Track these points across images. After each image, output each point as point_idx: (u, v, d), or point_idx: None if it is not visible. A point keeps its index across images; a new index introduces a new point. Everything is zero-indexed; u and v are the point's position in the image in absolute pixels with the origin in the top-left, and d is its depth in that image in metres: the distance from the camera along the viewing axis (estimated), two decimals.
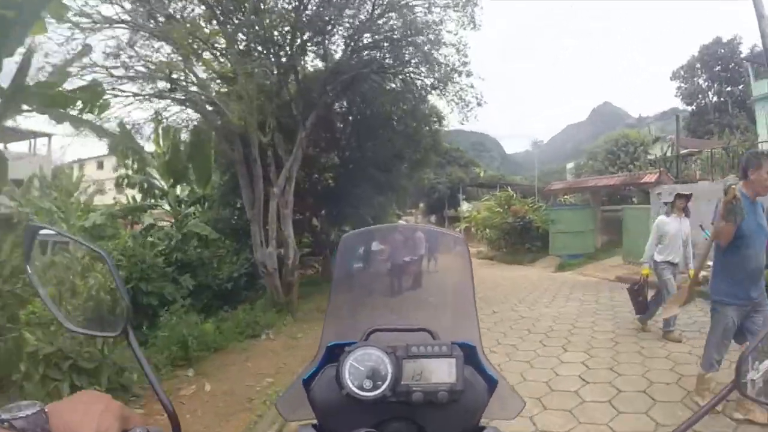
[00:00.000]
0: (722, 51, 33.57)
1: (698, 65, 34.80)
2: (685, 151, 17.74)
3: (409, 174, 12.45)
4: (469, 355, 0.73)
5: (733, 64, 33.03)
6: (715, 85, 34.05)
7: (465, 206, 38.11)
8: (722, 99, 33.96)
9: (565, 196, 18.90)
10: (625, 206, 14.69)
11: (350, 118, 10.62)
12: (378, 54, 8.30)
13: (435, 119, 10.92)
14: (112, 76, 6.23)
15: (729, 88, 32.93)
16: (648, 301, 5.41)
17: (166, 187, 10.42)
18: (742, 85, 31.09)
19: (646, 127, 30.44)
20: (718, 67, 33.52)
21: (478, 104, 8.67)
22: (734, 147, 12.93)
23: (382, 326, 0.80)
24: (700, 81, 35.67)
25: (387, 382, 0.66)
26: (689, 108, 36.67)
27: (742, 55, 32.31)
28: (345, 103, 10.18)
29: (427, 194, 44.53)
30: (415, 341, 0.71)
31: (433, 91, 8.90)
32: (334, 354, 0.72)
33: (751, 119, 26.66)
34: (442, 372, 0.68)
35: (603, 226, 14.71)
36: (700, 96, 35.86)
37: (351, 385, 0.66)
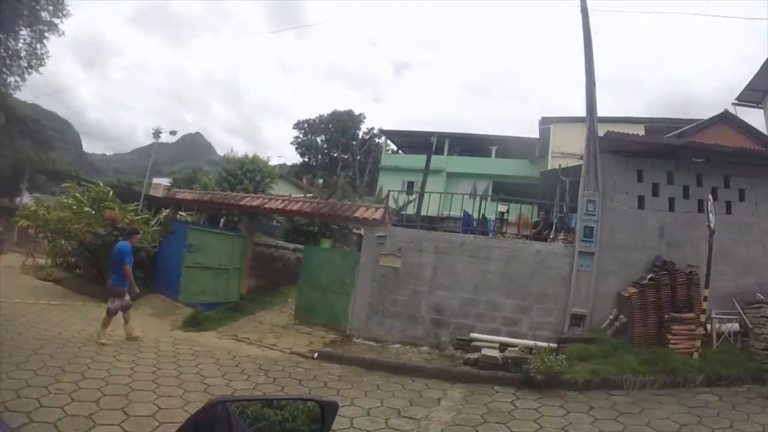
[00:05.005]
0: (349, 123, 39.54)
1: (323, 125, 39.79)
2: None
3: None
4: None
5: (349, 136, 39.31)
6: (334, 148, 39.52)
7: (27, 198, 26.97)
8: (327, 162, 39.12)
9: (181, 213, 15.01)
10: (309, 247, 11.88)
11: None
12: None
13: None
14: None
15: (345, 156, 38.95)
16: None
17: None
18: (359, 155, 37.66)
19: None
20: (340, 132, 38.92)
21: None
22: None
23: None
24: (319, 139, 40.76)
25: None
26: (302, 159, 40.93)
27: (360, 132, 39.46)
28: None
29: None
30: None
31: None
32: None
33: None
34: None
35: (251, 266, 11.40)
36: (314, 151, 40.66)
37: None
